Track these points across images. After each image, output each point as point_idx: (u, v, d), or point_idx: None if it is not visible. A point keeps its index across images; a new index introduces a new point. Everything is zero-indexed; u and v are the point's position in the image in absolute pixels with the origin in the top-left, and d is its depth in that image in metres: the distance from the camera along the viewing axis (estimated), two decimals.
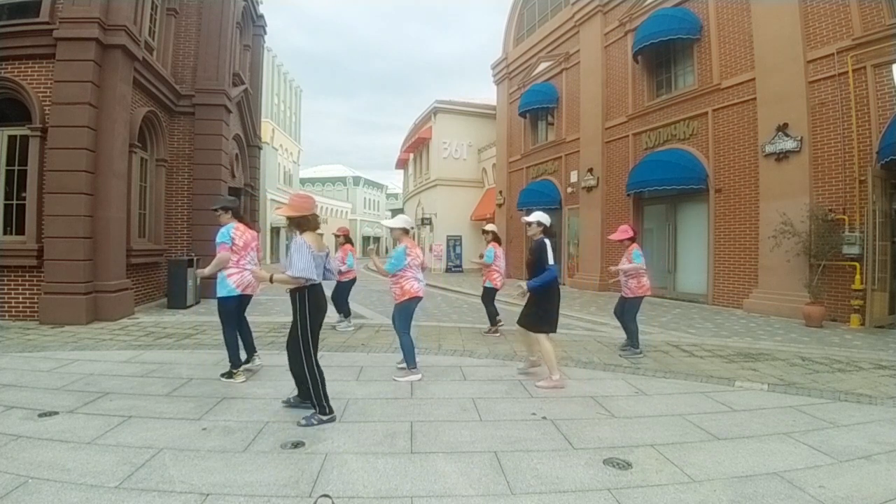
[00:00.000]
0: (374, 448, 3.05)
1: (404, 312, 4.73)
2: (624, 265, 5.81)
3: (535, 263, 4.51)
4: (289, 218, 3.55)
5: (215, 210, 4.85)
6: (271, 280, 3.53)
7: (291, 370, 3.61)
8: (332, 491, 2.49)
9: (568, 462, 2.89)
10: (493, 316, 7.20)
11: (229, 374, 4.54)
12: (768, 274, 9.05)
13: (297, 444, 3.06)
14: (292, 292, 3.52)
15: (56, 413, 3.50)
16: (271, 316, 8.49)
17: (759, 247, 9.23)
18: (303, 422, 3.40)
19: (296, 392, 3.78)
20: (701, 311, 9.46)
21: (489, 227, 7.66)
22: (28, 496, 2.37)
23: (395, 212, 44.81)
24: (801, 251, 8.18)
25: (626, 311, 5.89)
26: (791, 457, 2.98)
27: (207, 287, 10.16)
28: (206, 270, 4.61)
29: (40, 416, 3.45)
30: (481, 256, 7.40)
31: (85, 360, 5.07)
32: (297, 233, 3.54)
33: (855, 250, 7.65)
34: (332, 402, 3.60)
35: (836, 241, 7.82)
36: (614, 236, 6.04)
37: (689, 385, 4.59)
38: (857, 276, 7.63)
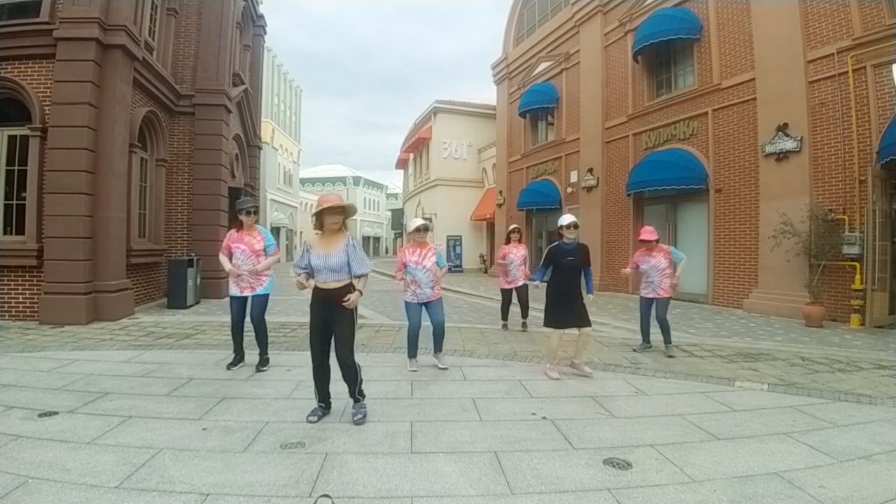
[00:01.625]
0: (374, 448, 3.05)
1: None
2: (662, 264, 5.81)
3: (585, 263, 4.87)
4: (342, 211, 3.50)
5: (252, 211, 4.96)
6: (361, 293, 3.53)
7: (349, 369, 3.51)
8: (332, 491, 2.49)
9: (568, 462, 2.89)
10: (527, 309, 7.41)
11: (267, 362, 4.91)
12: (768, 274, 9.05)
13: (297, 444, 3.06)
14: (343, 290, 3.46)
15: (56, 413, 3.50)
16: (272, 316, 8.42)
17: (759, 247, 9.22)
18: (360, 416, 3.46)
19: (315, 397, 3.62)
20: (701, 311, 9.45)
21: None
22: (28, 496, 2.37)
23: (395, 212, 44.75)
24: (801, 251, 8.18)
25: (660, 309, 5.86)
26: (791, 457, 2.98)
27: (208, 287, 10.20)
28: (261, 267, 4.85)
29: (40, 416, 3.45)
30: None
31: (85, 360, 5.07)
32: (345, 229, 3.59)
33: (855, 250, 7.64)
34: (332, 402, 3.64)
35: (836, 241, 7.82)
36: (644, 237, 5.94)
37: (689, 385, 4.59)
38: (857, 276, 7.63)
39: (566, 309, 4.79)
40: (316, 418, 3.48)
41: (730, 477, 2.71)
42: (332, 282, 3.46)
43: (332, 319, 3.47)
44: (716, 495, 2.50)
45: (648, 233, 5.97)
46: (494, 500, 2.46)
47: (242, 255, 4.86)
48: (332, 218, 3.48)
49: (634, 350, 6.07)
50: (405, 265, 5.04)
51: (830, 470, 2.81)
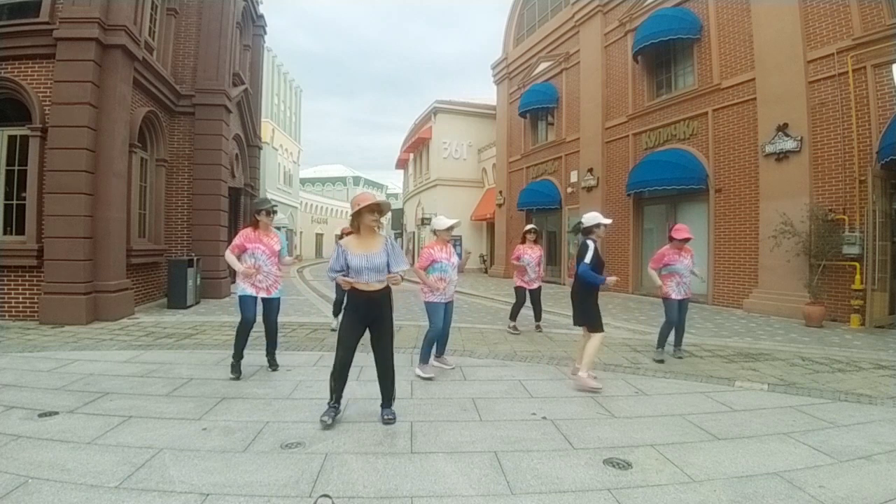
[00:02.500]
0: (374, 448, 3.05)
1: None
2: (691, 265, 5.74)
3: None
4: (378, 209, 3.54)
5: (273, 211, 4.91)
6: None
7: (389, 371, 3.55)
8: (332, 491, 2.48)
9: (568, 462, 2.89)
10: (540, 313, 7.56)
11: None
12: (768, 274, 9.05)
13: (296, 444, 3.06)
14: (385, 291, 3.54)
15: (56, 413, 3.50)
16: None
17: (759, 247, 9.22)
18: (390, 417, 3.48)
19: (331, 399, 3.51)
20: (701, 311, 9.45)
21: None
22: (28, 496, 2.37)
23: (395, 212, 44.65)
24: (801, 251, 8.18)
25: (685, 311, 5.80)
26: (791, 457, 2.98)
27: (208, 287, 10.19)
28: (288, 261, 5.04)
29: (40, 416, 3.45)
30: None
31: (85, 360, 5.07)
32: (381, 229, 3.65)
33: (855, 250, 7.64)
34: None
35: (836, 241, 7.82)
36: (685, 234, 5.69)
37: (690, 385, 4.59)
38: (857, 276, 7.62)
39: (599, 310, 4.66)
40: (330, 419, 3.37)
41: (730, 477, 2.71)
42: (374, 283, 3.48)
43: (376, 322, 3.53)
44: (716, 495, 2.50)
45: (686, 231, 5.74)
46: (494, 500, 2.45)
47: (263, 255, 4.73)
48: (371, 216, 3.52)
49: (679, 357, 5.76)
50: (435, 262, 4.78)
51: (830, 470, 2.80)
